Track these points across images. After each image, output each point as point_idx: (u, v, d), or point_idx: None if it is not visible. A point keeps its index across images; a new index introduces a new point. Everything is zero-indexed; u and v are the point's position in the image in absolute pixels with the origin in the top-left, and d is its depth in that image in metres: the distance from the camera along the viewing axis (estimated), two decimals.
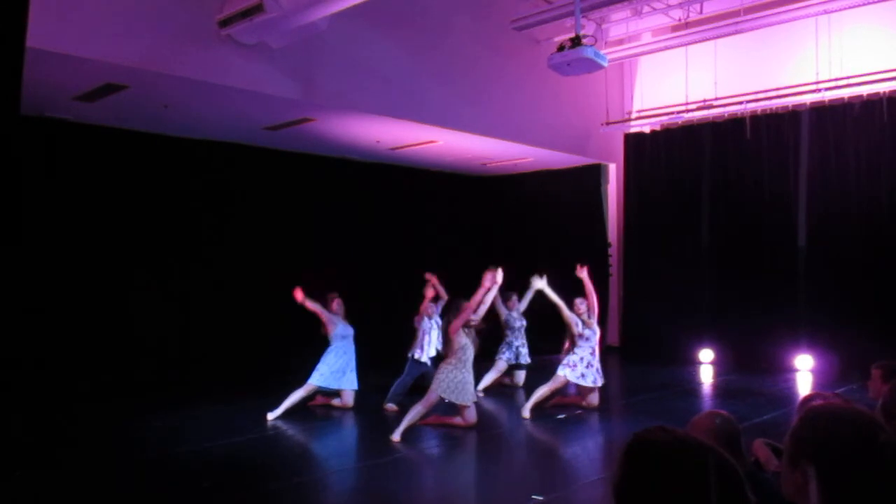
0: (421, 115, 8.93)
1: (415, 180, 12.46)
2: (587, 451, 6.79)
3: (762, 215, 10.67)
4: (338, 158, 11.29)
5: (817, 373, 9.81)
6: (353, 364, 7.71)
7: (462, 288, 8.97)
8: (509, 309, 8.65)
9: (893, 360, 3.58)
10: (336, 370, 7.57)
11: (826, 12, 8.56)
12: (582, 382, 7.51)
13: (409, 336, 8.55)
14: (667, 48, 10.09)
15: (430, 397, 6.72)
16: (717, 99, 10.68)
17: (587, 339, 7.52)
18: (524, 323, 8.73)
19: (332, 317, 7.66)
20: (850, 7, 8.34)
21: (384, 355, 8.90)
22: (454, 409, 7.02)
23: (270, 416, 7.22)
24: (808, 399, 3.10)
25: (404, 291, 11.30)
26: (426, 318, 7.96)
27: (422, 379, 7.83)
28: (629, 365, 11.20)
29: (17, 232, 6.81)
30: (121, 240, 9.08)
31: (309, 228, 10.90)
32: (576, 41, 6.41)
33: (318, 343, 8.29)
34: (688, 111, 11.00)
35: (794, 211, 10.46)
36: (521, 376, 8.95)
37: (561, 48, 6.51)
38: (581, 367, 7.47)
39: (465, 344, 6.72)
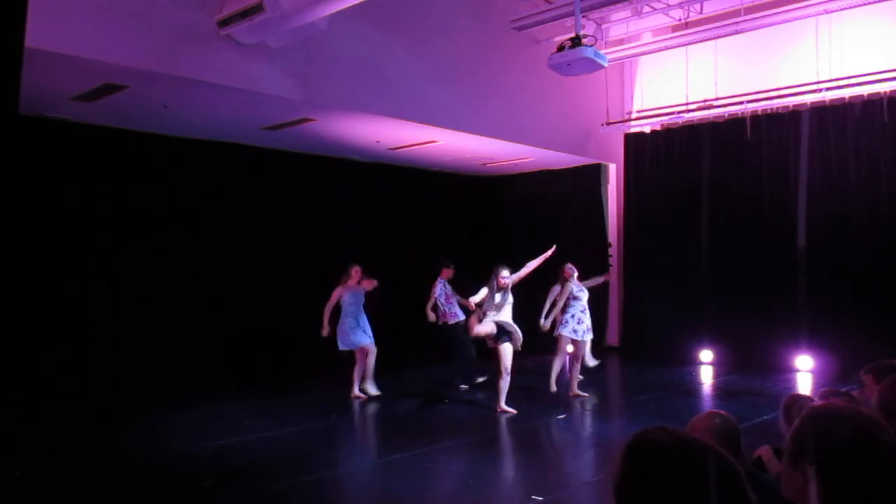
0: (421, 115, 8.93)
1: (415, 180, 12.46)
2: (587, 451, 6.79)
3: (762, 215, 10.66)
4: (338, 158, 11.29)
5: (817, 373, 9.80)
6: (362, 322, 8.37)
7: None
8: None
9: (880, 361, 3.54)
10: (349, 337, 8.27)
11: (826, 12, 8.56)
12: (574, 336, 8.26)
13: (409, 334, 8.59)
14: (667, 48, 10.09)
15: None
16: (717, 99, 10.67)
17: (577, 298, 8.34)
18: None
19: (341, 288, 8.36)
20: (850, 7, 8.34)
21: (384, 354, 8.89)
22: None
23: (371, 391, 8.40)
24: (792, 400, 3.10)
25: (403, 291, 11.33)
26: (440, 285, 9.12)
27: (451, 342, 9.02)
28: (629, 365, 11.19)
29: (16, 232, 6.81)
30: (120, 239, 9.08)
31: (309, 228, 10.91)
32: (576, 41, 6.40)
33: (318, 343, 8.31)
34: (688, 111, 10.99)
35: (794, 211, 10.45)
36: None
37: (561, 48, 6.50)
38: (572, 323, 8.26)
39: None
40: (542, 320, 8.28)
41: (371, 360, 8.39)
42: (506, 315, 7.56)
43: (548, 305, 8.41)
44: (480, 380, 8.97)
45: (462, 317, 9.02)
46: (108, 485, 5.34)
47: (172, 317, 9.42)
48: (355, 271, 8.42)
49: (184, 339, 9.42)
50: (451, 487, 5.52)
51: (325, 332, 8.22)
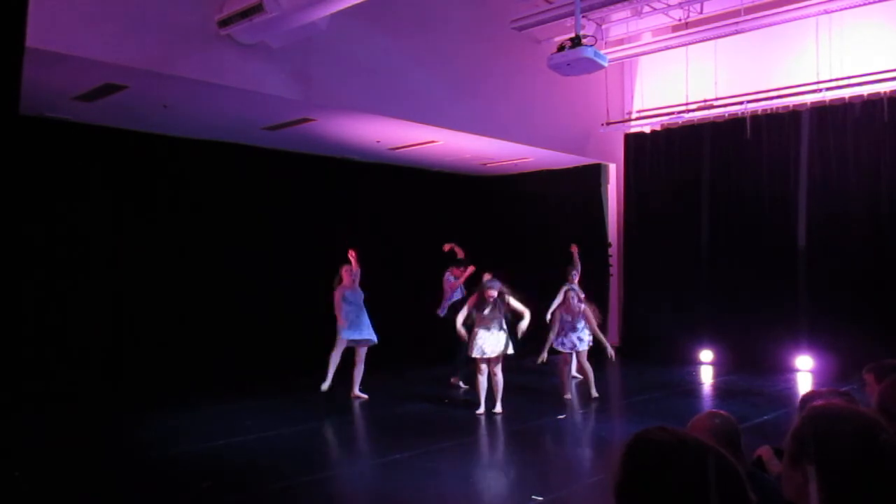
0: (421, 115, 8.93)
1: (415, 180, 12.45)
2: (587, 451, 6.79)
3: (762, 215, 10.66)
4: (338, 158, 11.28)
5: (817, 373, 9.80)
6: (365, 318, 8.33)
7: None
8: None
9: (882, 361, 3.54)
10: (353, 326, 8.24)
11: (826, 12, 8.56)
12: (562, 349, 8.26)
13: (409, 336, 8.60)
14: (667, 48, 10.09)
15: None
16: (717, 99, 10.67)
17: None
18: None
19: (340, 288, 8.31)
20: (849, 7, 8.34)
21: (384, 354, 8.89)
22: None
23: (324, 386, 8.25)
24: (808, 397, 3.08)
25: (404, 291, 11.34)
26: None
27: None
28: (629, 365, 11.18)
29: (15, 232, 6.82)
30: (119, 239, 9.08)
31: (309, 228, 10.91)
32: (576, 41, 6.40)
33: (318, 343, 8.31)
34: (688, 111, 10.99)
35: (794, 211, 10.45)
36: None
37: (561, 48, 6.50)
38: (561, 336, 8.31)
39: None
40: (543, 354, 8.24)
41: (360, 364, 8.38)
42: (495, 334, 7.43)
43: (556, 303, 8.55)
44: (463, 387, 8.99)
45: (442, 314, 9.18)
46: (107, 485, 5.34)
47: (172, 316, 9.42)
48: (345, 271, 8.38)
49: (184, 338, 9.41)
50: (451, 487, 5.51)
51: (342, 324, 8.23)
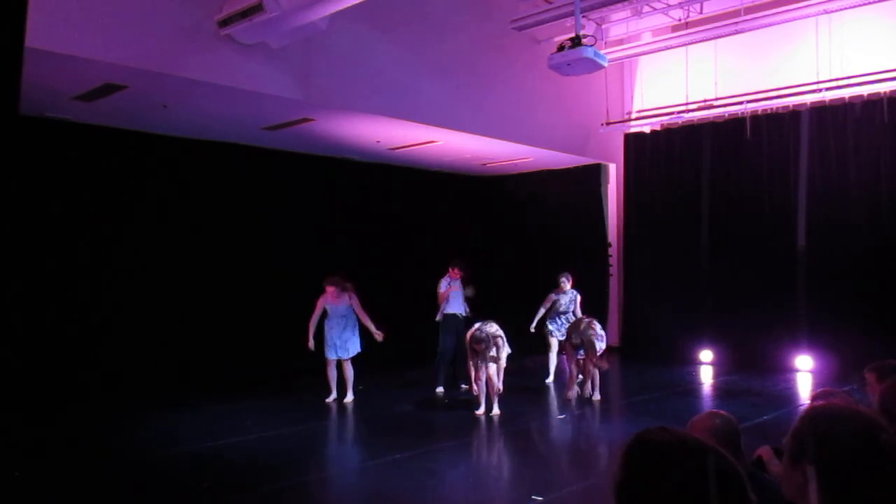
0: (421, 115, 8.93)
1: (415, 180, 12.46)
2: (587, 451, 6.79)
3: (762, 215, 10.66)
4: (338, 158, 11.29)
5: (817, 373, 9.80)
6: (344, 336, 8.14)
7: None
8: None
9: (884, 361, 3.54)
10: (330, 345, 8.14)
11: (826, 12, 8.55)
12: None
13: (409, 335, 8.58)
14: (667, 48, 10.08)
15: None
16: (717, 99, 10.67)
17: (562, 312, 9.04)
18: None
19: (322, 299, 8.18)
20: (849, 7, 8.34)
21: (383, 356, 8.89)
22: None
23: (329, 398, 8.17)
24: (818, 396, 3.09)
25: (404, 291, 11.35)
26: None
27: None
28: (629, 365, 11.19)
29: (16, 232, 6.81)
30: (119, 239, 9.08)
31: (309, 228, 10.91)
32: (576, 41, 6.40)
33: (318, 342, 8.31)
34: (688, 111, 10.99)
35: (794, 211, 10.45)
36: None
37: (561, 48, 6.50)
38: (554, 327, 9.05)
39: None
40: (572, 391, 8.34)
41: (347, 372, 8.25)
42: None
43: (540, 313, 8.97)
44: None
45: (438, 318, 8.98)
46: (108, 485, 5.34)
47: (172, 316, 9.42)
48: (329, 289, 8.11)
49: (184, 339, 9.41)
50: (452, 487, 5.52)
51: (311, 345, 8.06)
